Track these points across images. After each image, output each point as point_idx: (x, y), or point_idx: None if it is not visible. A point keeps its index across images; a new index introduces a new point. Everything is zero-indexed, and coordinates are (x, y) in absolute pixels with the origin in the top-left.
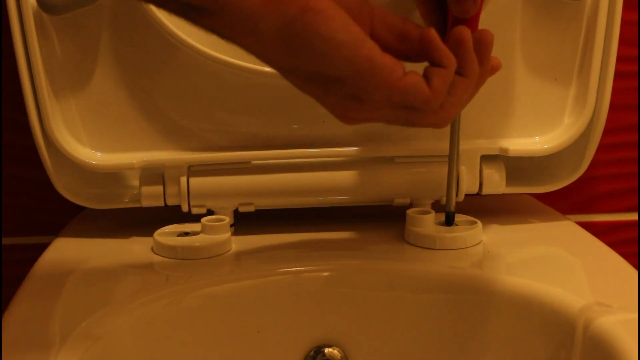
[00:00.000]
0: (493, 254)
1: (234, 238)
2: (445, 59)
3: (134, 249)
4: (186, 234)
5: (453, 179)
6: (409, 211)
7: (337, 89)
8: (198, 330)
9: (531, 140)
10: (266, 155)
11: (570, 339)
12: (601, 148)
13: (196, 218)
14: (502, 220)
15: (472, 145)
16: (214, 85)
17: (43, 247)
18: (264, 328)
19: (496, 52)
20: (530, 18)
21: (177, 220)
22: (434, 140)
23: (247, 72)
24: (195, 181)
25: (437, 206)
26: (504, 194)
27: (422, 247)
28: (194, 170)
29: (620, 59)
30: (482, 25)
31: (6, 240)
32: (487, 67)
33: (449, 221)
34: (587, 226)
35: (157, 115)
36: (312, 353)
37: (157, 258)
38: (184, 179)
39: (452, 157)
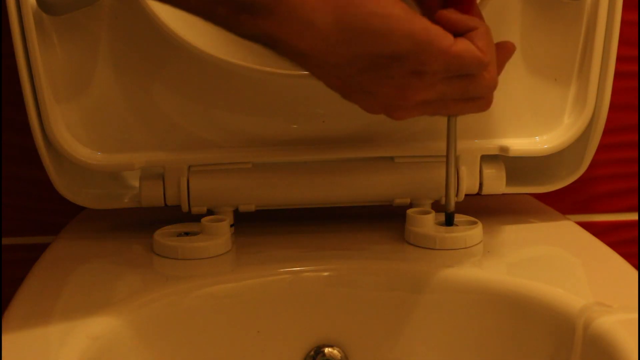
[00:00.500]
0: (493, 254)
1: (234, 238)
2: (473, 22)
3: (134, 249)
4: (186, 234)
5: (451, 179)
6: (409, 211)
7: (397, 68)
8: (198, 330)
9: (531, 140)
10: (266, 155)
11: (570, 339)
12: (601, 148)
13: (196, 218)
14: (502, 220)
15: (472, 145)
16: (214, 86)
17: (43, 247)
18: (264, 328)
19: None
20: (530, 18)
21: (177, 220)
22: (434, 140)
23: (247, 71)
24: (196, 181)
25: (437, 206)
26: (504, 194)
27: (422, 247)
28: (194, 170)
29: (620, 59)
30: None
31: (6, 240)
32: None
33: (449, 221)
34: (587, 226)
35: (157, 115)
36: (312, 353)
37: (157, 258)
38: (184, 180)
39: (450, 157)
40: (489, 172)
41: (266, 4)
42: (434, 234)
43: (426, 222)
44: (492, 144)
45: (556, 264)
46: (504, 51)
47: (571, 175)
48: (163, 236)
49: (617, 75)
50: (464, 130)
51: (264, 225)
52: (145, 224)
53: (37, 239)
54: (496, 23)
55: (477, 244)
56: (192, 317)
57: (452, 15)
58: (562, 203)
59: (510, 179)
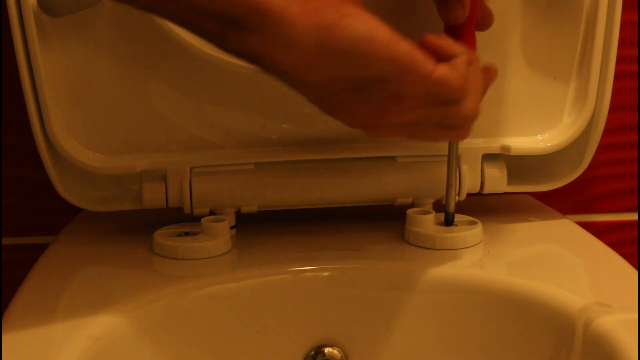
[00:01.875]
0: (493, 254)
1: (234, 238)
2: (459, 48)
3: (135, 249)
4: (186, 234)
5: (452, 181)
6: (409, 211)
7: (378, 90)
8: (198, 330)
9: (533, 138)
10: (268, 155)
11: (570, 339)
12: (601, 148)
13: (196, 218)
14: (502, 219)
15: (474, 145)
16: (215, 87)
17: (43, 247)
18: (264, 328)
19: (496, 50)
20: (530, 17)
21: (177, 220)
22: None
23: (249, 72)
24: (198, 183)
25: (438, 206)
26: (505, 194)
27: (422, 247)
28: (196, 171)
29: (620, 59)
30: None
31: (6, 240)
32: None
33: (448, 221)
34: (587, 226)
35: (158, 116)
36: (312, 353)
37: (157, 258)
38: (186, 181)
39: (452, 158)
40: (491, 171)
41: (253, 21)
42: (433, 234)
43: (426, 222)
44: (494, 143)
45: (556, 263)
46: (486, 76)
47: (572, 174)
48: (163, 236)
49: (617, 75)
50: None
51: (265, 225)
52: (146, 224)
53: (37, 239)
54: (496, 22)
55: (477, 244)
56: (192, 317)
57: (437, 40)
58: (562, 203)
59: (511, 178)
